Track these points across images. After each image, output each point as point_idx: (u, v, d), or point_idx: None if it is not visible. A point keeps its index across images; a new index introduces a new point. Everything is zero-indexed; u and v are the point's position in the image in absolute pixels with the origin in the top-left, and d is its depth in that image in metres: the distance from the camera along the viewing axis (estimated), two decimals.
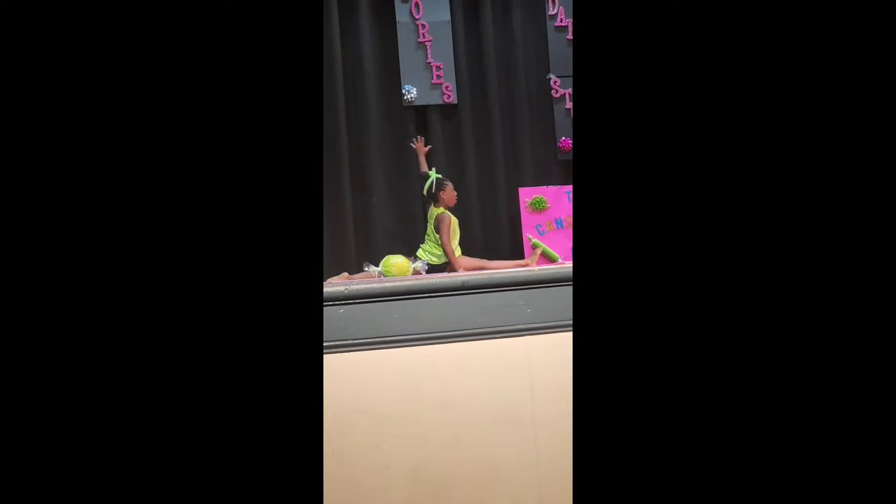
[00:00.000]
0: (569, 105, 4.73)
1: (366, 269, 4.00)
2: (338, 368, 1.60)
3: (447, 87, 4.65)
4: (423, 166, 4.36)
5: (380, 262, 4.03)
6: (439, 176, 4.24)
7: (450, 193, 4.20)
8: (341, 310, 1.64)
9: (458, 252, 4.20)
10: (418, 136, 4.47)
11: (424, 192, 4.24)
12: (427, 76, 4.66)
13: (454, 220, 4.22)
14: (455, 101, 4.67)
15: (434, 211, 4.20)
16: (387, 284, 1.72)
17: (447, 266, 4.13)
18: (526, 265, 4.12)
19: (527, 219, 4.52)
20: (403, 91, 4.63)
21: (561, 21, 4.75)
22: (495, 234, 4.71)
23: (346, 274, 4.04)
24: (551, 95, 4.75)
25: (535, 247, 4.47)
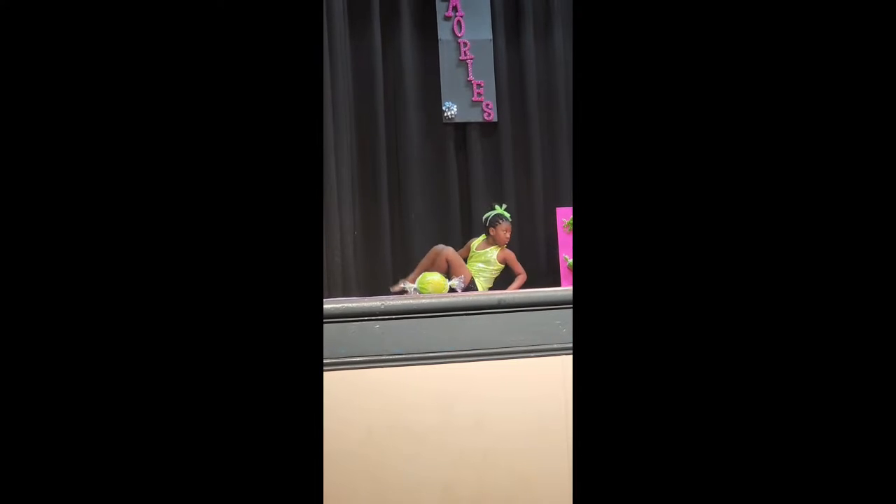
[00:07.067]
0: None
1: (401, 285, 4.01)
2: (373, 384, 1.61)
3: (488, 104, 4.67)
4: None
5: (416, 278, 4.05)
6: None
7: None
8: (377, 325, 1.65)
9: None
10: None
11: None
12: (468, 93, 4.68)
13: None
14: (495, 119, 4.69)
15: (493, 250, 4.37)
16: (423, 301, 1.73)
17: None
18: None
19: (563, 239, 4.50)
20: (444, 108, 4.66)
21: None
22: (532, 254, 4.70)
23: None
24: None
25: (570, 267, 4.46)
